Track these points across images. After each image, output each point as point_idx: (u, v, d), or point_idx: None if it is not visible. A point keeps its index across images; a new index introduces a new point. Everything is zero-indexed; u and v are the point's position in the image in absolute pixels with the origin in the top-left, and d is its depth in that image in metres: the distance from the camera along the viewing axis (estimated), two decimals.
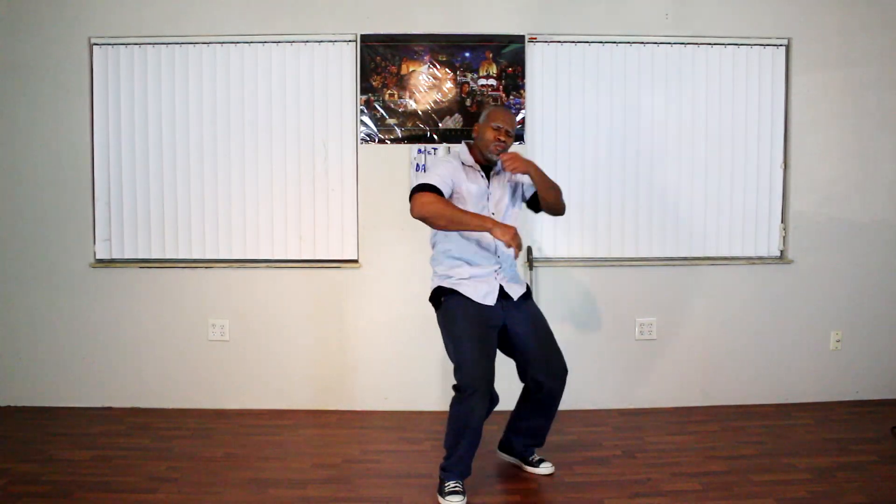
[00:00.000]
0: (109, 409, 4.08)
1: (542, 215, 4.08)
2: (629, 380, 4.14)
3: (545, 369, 3.12)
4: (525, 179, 3.14)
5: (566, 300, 4.11)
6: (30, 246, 4.06)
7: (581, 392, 4.11)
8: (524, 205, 3.24)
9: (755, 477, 3.16)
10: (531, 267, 4.03)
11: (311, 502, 2.97)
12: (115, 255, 4.11)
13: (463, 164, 3.06)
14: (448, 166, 3.00)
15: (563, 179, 4.09)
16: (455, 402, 2.95)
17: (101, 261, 4.10)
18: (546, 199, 3.07)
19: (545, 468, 3.28)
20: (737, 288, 4.15)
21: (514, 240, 2.82)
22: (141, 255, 4.11)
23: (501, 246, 3.02)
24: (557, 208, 3.14)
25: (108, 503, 2.94)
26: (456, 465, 2.99)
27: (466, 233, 2.97)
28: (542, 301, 4.07)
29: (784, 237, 4.18)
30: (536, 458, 3.31)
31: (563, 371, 3.17)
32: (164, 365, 4.09)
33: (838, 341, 4.19)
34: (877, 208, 4.17)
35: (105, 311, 4.07)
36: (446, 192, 2.92)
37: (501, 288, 3.06)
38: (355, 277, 4.07)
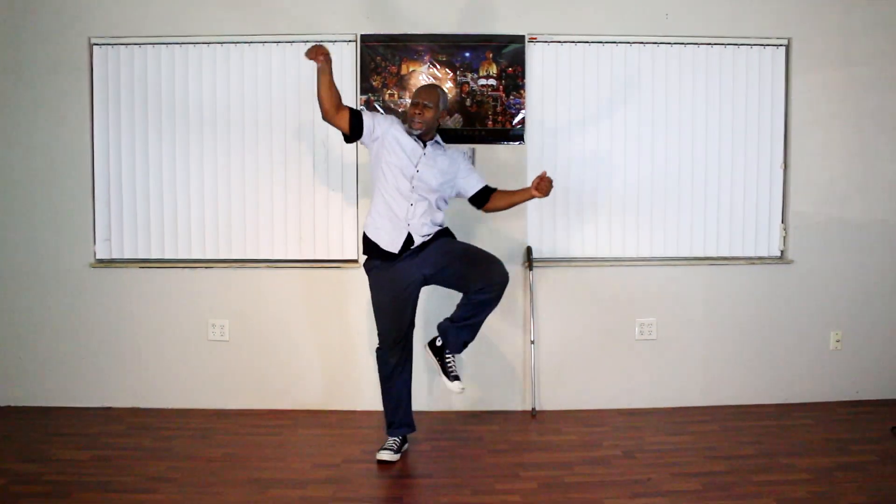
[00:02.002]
0: (109, 409, 4.07)
1: (543, 216, 4.10)
2: (629, 380, 4.13)
3: (475, 278, 3.20)
4: (464, 181, 3.45)
5: (566, 300, 4.11)
6: (30, 246, 4.05)
7: (581, 392, 4.12)
8: (459, 197, 3.51)
9: (755, 477, 3.16)
10: (531, 267, 4.03)
11: (311, 502, 2.97)
12: (116, 255, 4.11)
13: (406, 131, 3.37)
14: (387, 119, 3.40)
15: (563, 179, 4.10)
16: (376, 353, 3.42)
17: (101, 261, 4.09)
18: (500, 207, 3.51)
19: (455, 386, 3.30)
20: (737, 288, 4.15)
21: (315, 53, 3.19)
22: (141, 255, 4.11)
23: (413, 215, 3.31)
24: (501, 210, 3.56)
25: (108, 503, 2.94)
26: (393, 423, 3.43)
27: (382, 198, 3.33)
28: (542, 302, 4.07)
29: (784, 237, 4.18)
30: (455, 370, 3.32)
31: (499, 272, 3.22)
32: (164, 365, 4.08)
33: (838, 341, 4.18)
34: (877, 208, 4.17)
35: (105, 311, 4.07)
36: (367, 126, 3.33)
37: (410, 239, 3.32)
38: (355, 277, 4.05)
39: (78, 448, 3.48)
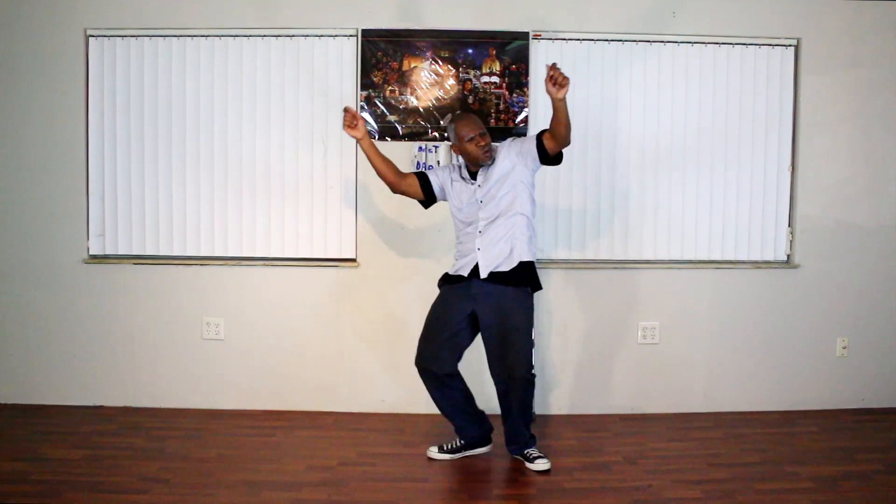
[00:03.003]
0: (101, 407, 4.03)
1: (544, 217, 4.05)
2: (631, 384, 4.08)
3: (497, 369, 3.27)
4: (524, 155, 3.26)
5: (568, 303, 4.06)
6: (22, 241, 4.01)
7: (582, 396, 4.08)
8: (534, 169, 3.30)
9: (758, 485, 3.13)
10: None
11: None
12: (109, 251, 4.06)
13: (460, 171, 3.36)
14: (445, 171, 3.42)
15: (566, 179, 4.06)
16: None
17: (94, 256, 4.05)
18: (558, 131, 3.14)
19: (538, 465, 3.27)
20: (742, 292, 4.10)
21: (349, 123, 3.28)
22: (135, 252, 4.06)
23: (482, 228, 3.24)
24: (564, 140, 3.18)
25: (99, 503, 2.90)
26: (456, 431, 3.42)
27: (460, 226, 3.34)
28: (544, 304, 4.02)
29: (791, 241, 4.13)
30: (533, 454, 3.31)
31: (514, 376, 3.21)
32: (157, 363, 4.04)
33: (845, 348, 4.13)
34: (886, 212, 4.12)
35: (98, 307, 4.02)
36: (435, 184, 3.38)
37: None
38: (353, 277, 4.02)
39: (68, 447, 3.45)
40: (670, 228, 4.10)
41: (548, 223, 4.08)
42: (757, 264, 4.12)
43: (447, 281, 3.36)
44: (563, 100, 3.05)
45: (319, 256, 4.07)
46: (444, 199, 3.41)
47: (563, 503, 2.97)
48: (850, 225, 4.10)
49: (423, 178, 3.38)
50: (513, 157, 3.27)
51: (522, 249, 3.24)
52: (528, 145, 3.25)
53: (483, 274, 3.22)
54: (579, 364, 4.08)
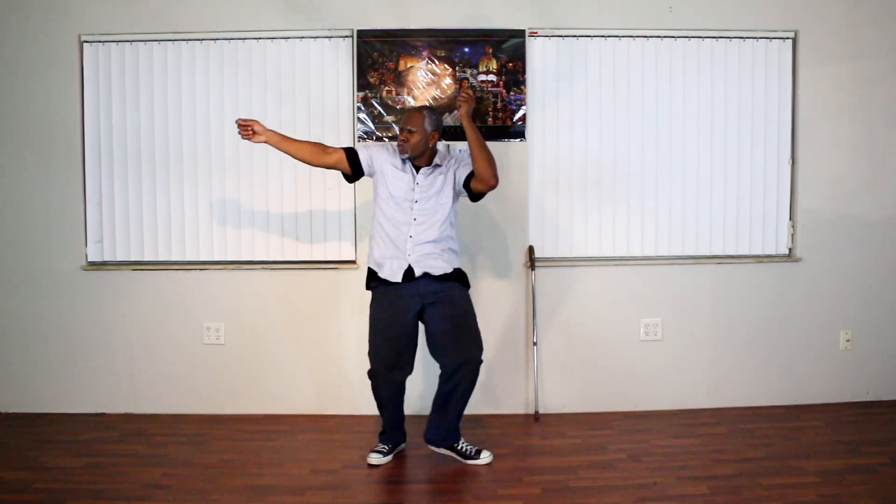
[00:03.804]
0: (102, 414, 4.02)
1: (545, 215, 4.03)
2: (634, 382, 4.07)
3: (451, 354, 3.27)
4: (459, 169, 3.32)
5: (569, 301, 4.04)
6: (19, 248, 4.00)
7: (585, 394, 4.07)
8: (461, 195, 3.37)
9: (763, 480, 3.12)
10: (532, 267, 3.96)
11: None
12: (108, 258, 4.05)
13: (400, 156, 3.33)
14: (380, 149, 3.37)
15: (566, 177, 4.04)
16: (368, 375, 3.39)
17: (92, 263, 4.03)
18: (476, 160, 3.21)
19: (485, 458, 3.31)
20: (744, 287, 4.08)
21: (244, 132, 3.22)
22: (134, 258, 4.05)
23: (412, 244, 3.26)
24: (485, 175, 3.21)
25: None
26: (385, 432, 3.44)
27: (382, 227, 3.31)
28: (544, 302, 4.01)
29: (792, 235, 4.11)
30: (472, 449, 3.34)
31: (470, 358, 3.26)
32: (158, 369, 4.02)
33: (848, 341, 4.12)
34: (887, 205, 4.10)
35: (97, 314, 4.01)
36: (364, 161, 3.32)
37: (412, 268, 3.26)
38: (353, 278, 4.00)
39: (70, 455, 3.44)
40: (671, 223, 4.09)
41: (548, 220, 4.07)
42: (759, 258, 4.11)
43: (380, 282, 3.31)
44: (467, 118, 3.25)
45: (319, 259, 4.05)
46: (370, 176, 3.36)
47: (568, 502, 2.96)
48: (852, 218, 4.09)
49: (351, 153, 3.33)
50: (452, 170, 3.33)
51: (453, 259, 3.34)
52: (461, 172, 3.32)
53: (417, 274, 3.24)
54: (582, 362, 4.06)
